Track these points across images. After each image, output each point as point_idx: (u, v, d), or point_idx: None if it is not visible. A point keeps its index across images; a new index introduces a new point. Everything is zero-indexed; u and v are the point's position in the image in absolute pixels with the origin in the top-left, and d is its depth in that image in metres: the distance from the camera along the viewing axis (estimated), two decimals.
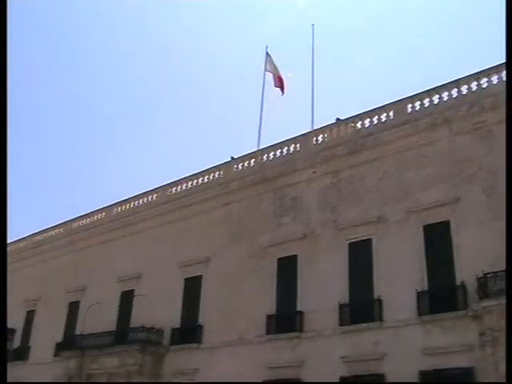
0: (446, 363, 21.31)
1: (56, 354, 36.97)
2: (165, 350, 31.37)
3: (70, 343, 35.66)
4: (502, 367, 17.56)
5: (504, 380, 10.48)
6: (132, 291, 34.82)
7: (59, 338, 38.21)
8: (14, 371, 40.61)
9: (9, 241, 49.48)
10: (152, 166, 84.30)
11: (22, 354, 40.90)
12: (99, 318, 34.41)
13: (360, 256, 25.57)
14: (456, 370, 21.06)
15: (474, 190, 23.17)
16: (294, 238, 28.27)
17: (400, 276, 23.65)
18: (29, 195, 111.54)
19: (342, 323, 24.89)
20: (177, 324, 31.60)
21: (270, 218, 29.83)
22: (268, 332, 27.34)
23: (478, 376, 20.48)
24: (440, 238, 23.40)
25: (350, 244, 26.07)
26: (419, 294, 22.77)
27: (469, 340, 21.08)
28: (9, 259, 46.92)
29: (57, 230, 44.27)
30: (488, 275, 20.53)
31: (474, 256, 21.77)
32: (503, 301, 17.46)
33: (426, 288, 22.83)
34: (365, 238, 25.63)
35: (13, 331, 42.21)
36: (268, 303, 27.89)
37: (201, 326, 30.46)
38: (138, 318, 33.07)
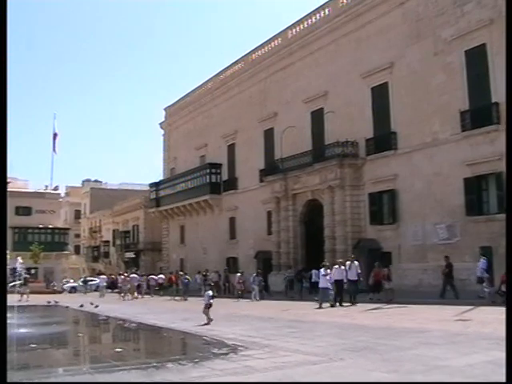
0: None
1: (261, 180, 39.66)
2: (362, 160, 32.11)
3: (271, 168, 38.05)
4: None
5: None
6: (321, 109, 35.42)
7: (261, 165, 40.75)
8: (228, 200, 44.77)
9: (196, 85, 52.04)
10: None
11: (232, 184, 44.64)
12: (294, 140, 35.84)
13: None
14: None
15: None
16: (481, 26, 26.30)
17: None
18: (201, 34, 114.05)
19: None
20: (370, 134, 31.88)
21: (450, 8, 27.85)
22: (463, 129, 26.73)
23: None
24: None
25: None
26: None
27: None
28: (201, 101, 50.04)
29: (238, 65, 45.40)
30: None
31: None
32: None
33: None
34: None
35: (220, 165, 45.97)
36: (460, 99, 26.96)
37: (394, 133, 30.50)
38: (331, 134, 33.92)
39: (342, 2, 34.25)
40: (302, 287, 30.52)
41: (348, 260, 24.49)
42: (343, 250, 31.20)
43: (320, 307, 22.39)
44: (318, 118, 35.67)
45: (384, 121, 31.08)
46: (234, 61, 45.99)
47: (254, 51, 43.24)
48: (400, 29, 30.37)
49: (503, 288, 19.80)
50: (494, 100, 25.51)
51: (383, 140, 31.00)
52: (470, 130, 26.33)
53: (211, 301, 17.17)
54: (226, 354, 11.04)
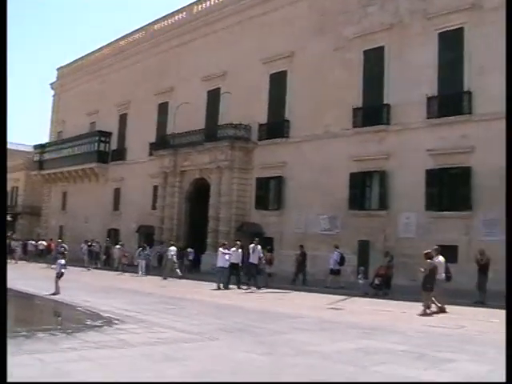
0: None
1: (151, 154, 39.06)
2: (253, 145, 32.37)
3: (162, 143, 37.49)
4: None
5: None
6: (218, 89, 35.25)
7: (152, 138, 39.95)
8: (115, 170, 43.77)
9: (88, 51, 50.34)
10: None
11: (120, 154, 43.66)
12: (188, 117, 35.43)
13: (450, 46, 24.41)
14: None
15: None
16: (381, 29, 27.15)
17: (493, 67, 22.37)
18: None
19: (429, 116, 24.60)
20: (263, 120, 32.15)
21: (355, 8, 28.50)
22: (354, 125, 27.52)
23: None
24: None
25: (440, 34, 24.77)
26: None
27: None
28: (96, 66, 48.22)
29: (139, 34, 44.28)
30: None
31: None
32: None
33: None
34: (456, 27, 24.20)
35: (110, 134, 44.78)
36: (354, 96, 27.66)
37: (287, 121, 30.92)
38: (225, 115, 33.91)
39: None
40: (182, 265, 30.47)
41: (252, 243, 24.27)
42: (226, 232, 31.40)
43: (218, 288, 22.26)
44: (214, 97, 35.52)
45: (279, 108, 31.42)
46: (135, 29, 44.84)
47: (156, 22, 42.34)
48: (305, 20, 30.70)
49: (377, 281, 20.73)
50: (385, 101, 26.45)
51: (276, 127, 31.36)
52: (360, 127, 27.15)
53: (63, 270, 16.86)
54: (100, 326, 10.88)
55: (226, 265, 22.89)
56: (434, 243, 19.51)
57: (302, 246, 25.89)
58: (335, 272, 23.96)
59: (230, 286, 22.55)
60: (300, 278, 24.98)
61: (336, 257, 24.06)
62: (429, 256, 15.85)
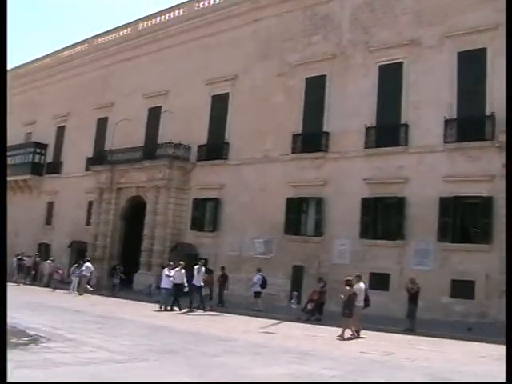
0: (467, 191, 21.73)
1: (87, 169, 38.27)
2: (192, 165, 32.20)
3: (100, 158, 36.78)
4: None
5: None
6: (159, 108, 34.97)
7: (90, 153, 39.19)
8: (49, 183, 42.68)
9: (34, 57, 49.14)
10: None
11: (56, 167, 42.50)
12: (127, 134, 34.97)
13: (390, 79, 25.06)
14: (475, 199, 21.60)
15: None
16: (324, 58, 27.60)
17: (429, 102, 23.29)
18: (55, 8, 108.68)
19: (367, 146, 25.09)
20: (203, 141, 32.04)
21: (299, 36, 28.93)
22: (293, 151, 27.74)
23: (495, 205, 20.82)
24: (474, 67, 22.59)
25: (380, 67, 25.42)
26: (447, 122, 22.58)
27: (491, 170, 21.17)
28: (36, 76, 47.04)
29: (82, 46, 43.41)
30: None
31: None
32: None
33: (454, 116, 22.55)
34: (396, 61, 24.91)
35: (46, 146, 43.65)
36: (295, 123, 27.97)
37: (227, 144, 30.93)
38: (165, 134, 33.61)
39: (198, 7, 34.25)
40: (113, 283, 29.83)
41: (197, 264, 23.70)
42: (160, 251, 31.06)
43: (161, 309, 21.96)
44: (155, 115, 35.17)
45: (219, 130, 31.40)
46: (78, 41, 43.95)
47: (100, 35, 41.71)
48: (249, 44, 30.92)
49: (309, 306, 20.87)
50: (325, 129, 26.82)
51: (215, 149, 31.30)
52: (299, 153, 27.42)
53: None
54: (26, 344, 10.52)
55: (170, 286, 22.60)
56: (367, 270, 19.89)
57: (223, 268, 26.05)
58: (256, 294, 23.97)
59: (168, 308, 22.29)
60: (224, 300, 25.07)
61: (257, 280, 24.08)
62: (348, 283, 16.57)
